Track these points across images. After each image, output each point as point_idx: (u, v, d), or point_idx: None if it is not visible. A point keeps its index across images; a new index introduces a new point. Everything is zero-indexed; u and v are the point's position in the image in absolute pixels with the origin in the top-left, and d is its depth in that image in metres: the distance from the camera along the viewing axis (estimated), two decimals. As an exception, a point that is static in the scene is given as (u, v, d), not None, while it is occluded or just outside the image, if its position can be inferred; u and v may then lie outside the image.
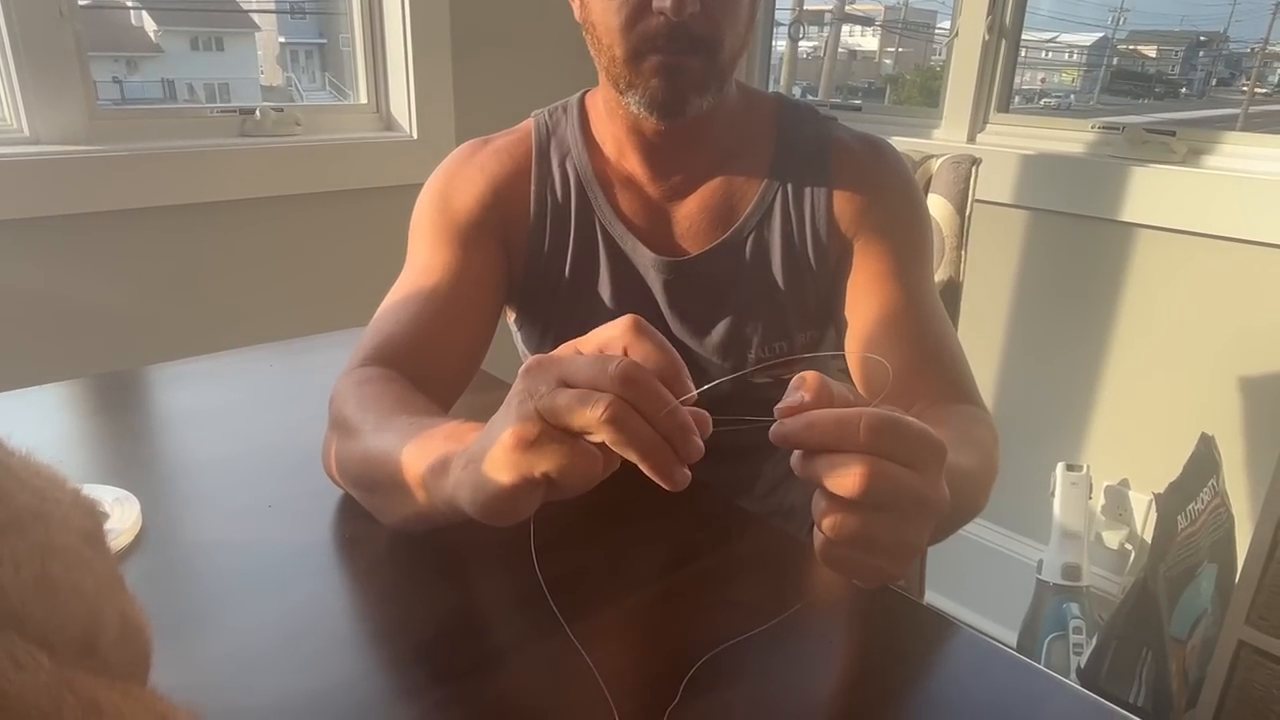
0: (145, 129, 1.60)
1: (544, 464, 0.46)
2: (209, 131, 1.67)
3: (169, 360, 1.03)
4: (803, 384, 0.47)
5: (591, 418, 0.44)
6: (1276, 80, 1.87)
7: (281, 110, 1.73)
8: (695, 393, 0.47)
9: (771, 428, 0.46)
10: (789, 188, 0.83)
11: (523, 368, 0.48)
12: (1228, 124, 1.66)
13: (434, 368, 0.77)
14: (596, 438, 0.45)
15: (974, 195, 1.04)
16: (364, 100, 1.88)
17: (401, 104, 1.87)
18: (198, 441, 0.83)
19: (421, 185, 0.87)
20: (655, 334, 0.48)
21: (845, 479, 0.44)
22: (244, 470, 0.77)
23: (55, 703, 0.26)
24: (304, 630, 0.56)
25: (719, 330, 0.85)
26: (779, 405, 0.46)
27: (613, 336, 0.48)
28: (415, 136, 1.86)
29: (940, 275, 1.05)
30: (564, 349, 0.50)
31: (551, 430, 0.46)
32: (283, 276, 1.75)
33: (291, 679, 0.51)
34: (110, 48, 1.69)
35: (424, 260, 0.82)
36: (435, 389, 0.75)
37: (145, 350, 1.57)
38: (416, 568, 0.63)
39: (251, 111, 1.70)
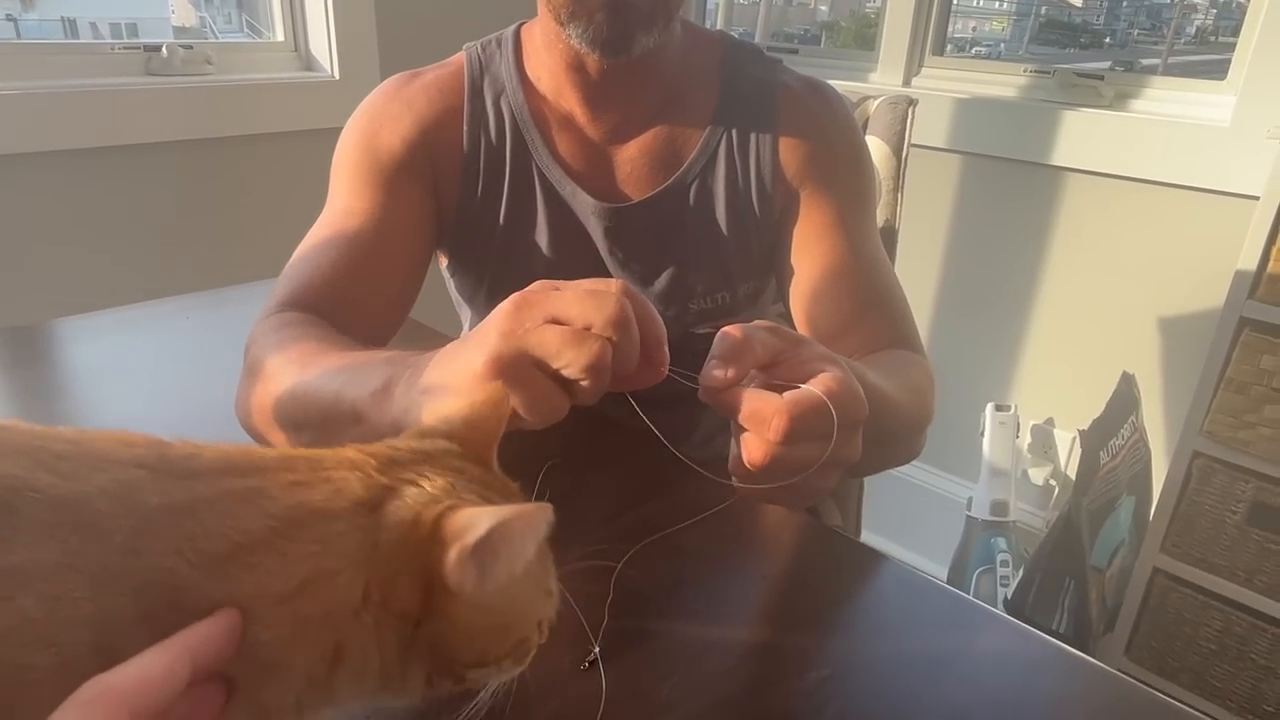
0: (41, 66, 1.48)
1: (512, 398, 0.45)
2: (111, 70, 1.56)
3: (75, 314, 0.97)
4: (724, 349, 0.48)
5: (577, 364, 0.44)
6: (1194, 31, 1.91)
7: (191, 48, 1.62)
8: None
9: (700, 389, 0.48)
10: (734, 133, 0.81)
11: (510, 302, 0.47)
12: (1149, 74, 1.70)
13: (356, 314, 0.74)
14: (572, 375, 0.45)
15: (910, 138, 1.04)
16: (280, 38, 1.77)
17: (321, 42, 1.77)
18: (108, 398, 0.78)
19: (342, 128, 0.82)
20: (646, 302, 0.48)
21: (756, 458, 0.47)
22: (158, 427, 0.73)
23: None
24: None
25: (661, 280, 0.83)
26: (702, 375, 0.48)
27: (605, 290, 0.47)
28: (336, 77, 1.77)
29: (877, 218, 1.05)
30: (546, 285, 0.48)
31: (529, 364, 0.45)
32: (194, 225, 1.66)
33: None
34: (-1, -21, 1.56)
35: (345, 202, 0.78)
36: (358, 336, 0.71)
37: (49, 303, 1.48)
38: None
39: (158, 48, 1.59)
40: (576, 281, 0.47)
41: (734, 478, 0.50)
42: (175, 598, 0.29)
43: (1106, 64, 1.75)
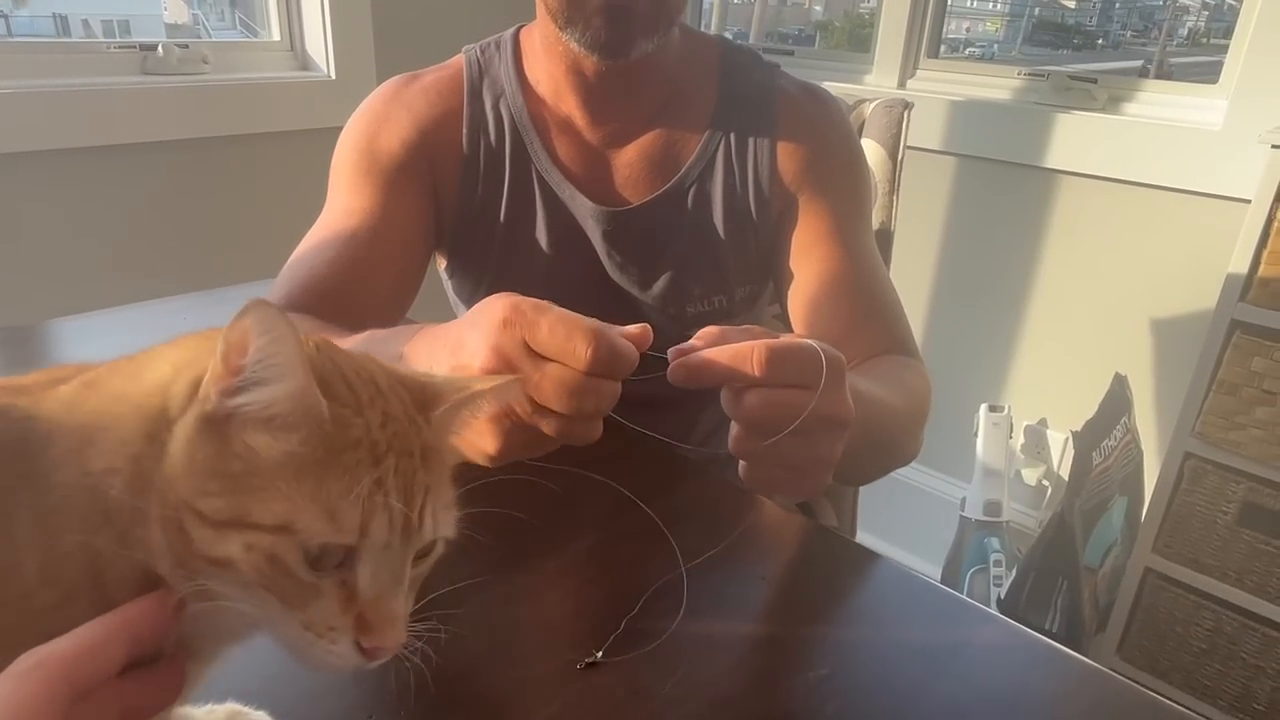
0: (35, 65, 1.47)
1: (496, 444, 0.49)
2: (107, 69, 1.55)
3: (71, 314, 0.97)
4: (698, 335, 0.50)
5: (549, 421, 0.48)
6: (1185, 33, 1.92)
7: (187, 47, 1.62)
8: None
9: (669, 368, 0.49)
10: (732, 138, 0.82)
11: (506, 310, 0.48)
12: (1141, 75, 1.71)
13: (353, 314, 0.74)
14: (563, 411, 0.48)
15: (906, 140, 1.05)
16: (276, 37, 1.77)
17: (317, 41, 1.77)
18: (107, 398, 0.78)
19: (339, 128, 0.82)
20: (621, 350, 0.48)
21: (747, 410, 0.49)
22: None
23: None
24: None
25: (659, 284, 0.83)
26: (672, 349, 0.50)
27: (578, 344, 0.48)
28: (332, 76, 1.77)
29: (873, 221, 1.06)
30: (532, 309, 0.48)
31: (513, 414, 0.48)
32: (191, 224, 1.66)
33: (218, 641, 0.49)
34: (-10, -24, 1.55)
35: (345, 202, 0.78)
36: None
37: (45, 304, 1.48)
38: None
39: (154, 48, 1.59)
40: (556, 314, 0.48)
41: (738, 462, 0.52)
42: None
43: (1099, 65, 1.76)
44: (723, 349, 0.49)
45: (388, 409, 0.33)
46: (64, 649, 0.28)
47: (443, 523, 0.35)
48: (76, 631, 0.29)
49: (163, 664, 0.32)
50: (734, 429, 0.51)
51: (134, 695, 0.31)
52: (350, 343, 0.60)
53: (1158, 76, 1.71)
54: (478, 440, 0.50)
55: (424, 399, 0.35)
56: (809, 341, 0.50)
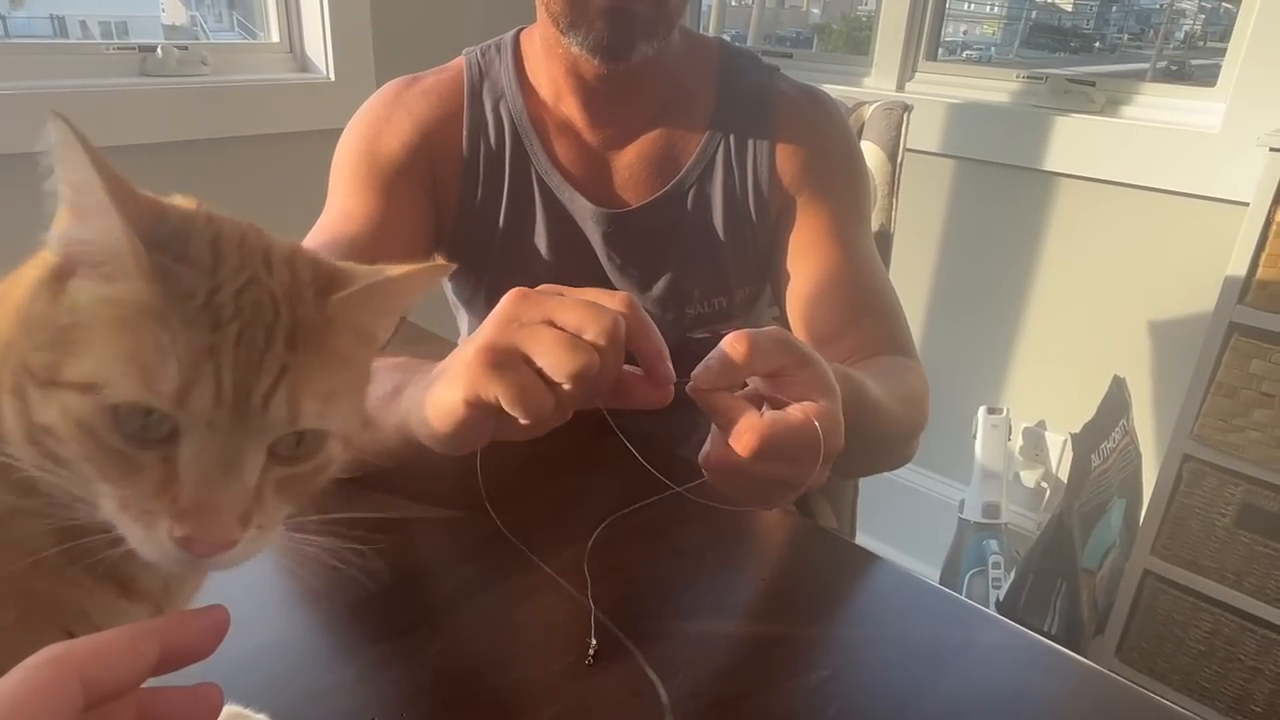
0: (33, 66, 1.47)
1: (497, 387, 0.46)
2: (106, 70, 1.55)
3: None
4: (724, 355, 0.49)
5: (561, 368, 0.45)
6: (1182, 36, 1.92)
7: (186, 48, 1.62)
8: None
9: (690, 385, 0.49)
10: (731, 140, 0.82)
11: (513, 294, 0.48)
12: (1138, 78, 1.71)
13: None
14: (555, 379, 0.45)
15: (905, 143, 1.05)
16: (275, 39, 1.77)
17: (316, 43, 1.77)
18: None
19: (338, 130, 0.82)
20: (648, 321, 0.49)
21: (724, 474, 0.49)
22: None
23: None
24: (233, 591, 0.53)
25: (659, 285, 0.83)
26: (695, 372, 0.49)
27: (607, 302, 0.48)
28: (332, 78, 1.77)
29: (872, 223, 1.06)
30: (549, 289, 0.48)
31: (518, 358, 0.46)
32: (193, 227, 1.66)
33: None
34: (-12, -23, 1.55)
35: (344, 205, 0.78)
36: None
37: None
38: (348, 526, 0.61)
39: (153, 49, 1.59)
40: (582, 289, 0.48)
41: (705, 472, 0.51)
42: None
43: (1095, 68, 1.77)
44: (726, 411, 0.48)
45: (256, 278, 0.30)
46: (83, 647, 0.26)
47: (312, 412, 0.30)
48: (104, 633, 0.27)
49: (200, 684, 0.30)
50: (707, 450, 0.50)
51: (157, 710, 0.29)
52: (386, 366, 0.59)
53: (1155, 79, 1.71)
54: (461, 385, 0.47)
55: (329, 281, 0.32)
56: (812, 422, 0.48)
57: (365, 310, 0.34)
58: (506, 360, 0.46)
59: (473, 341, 0.47)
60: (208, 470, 0.29)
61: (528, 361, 0.46)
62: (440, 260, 0.90)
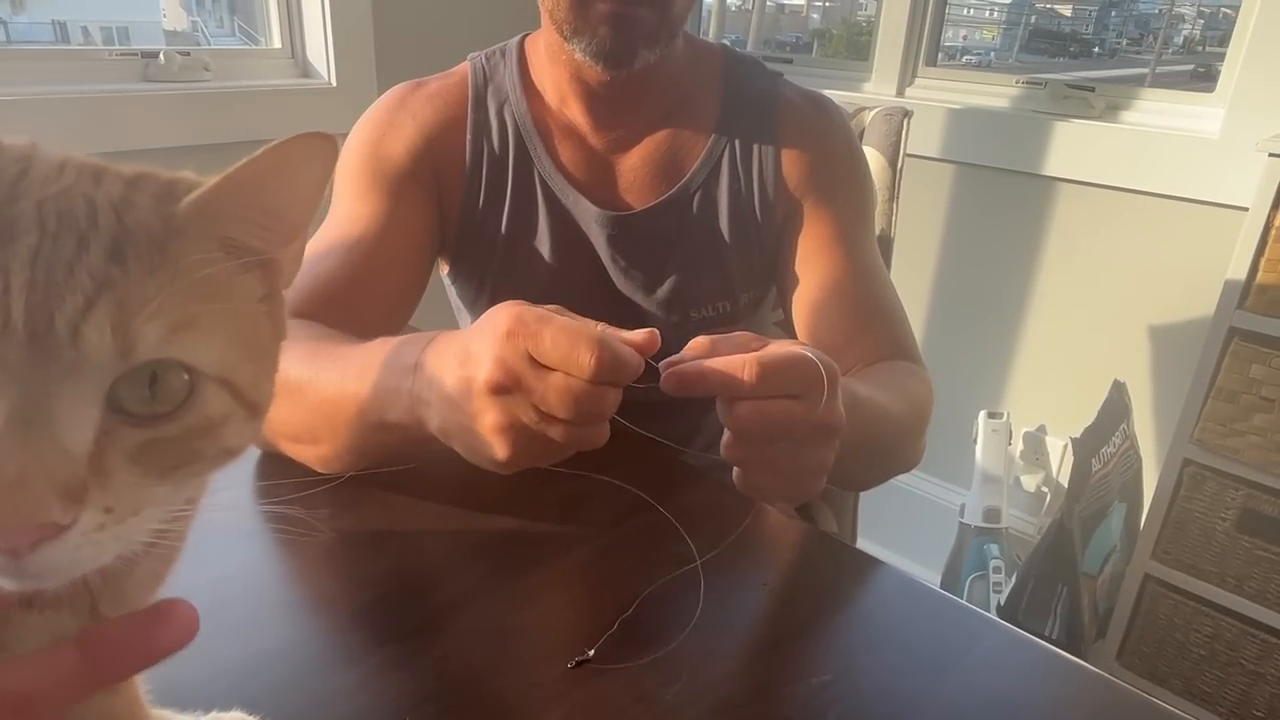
0: (34, 72, 1.48)
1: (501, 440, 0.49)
2: (108, 76, 1.56)
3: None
4: (689, 345, 0.52)
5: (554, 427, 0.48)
6: (1181, 41, 1.93)
7: (188, 54, 1.62)
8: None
9: (662, 378, 0.50)
10: (736, 144, 0.82)
11: (509, 321, 0.48)
12: (1137, 83, 1.72)
13: (357, 321, 0.74)
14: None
15: (905, 148, 1.05)
16: (277, 45, 1.78)
17: (318, 49, 1.77)
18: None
19: (340, 136, 0.83)
20: (623, 355, 0.49)
21: (738, 419, 0.50)
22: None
23: None
24: (236, 598, 0.54)
25: (664, 288, 0.84)
26: (664, 361, 0.51)
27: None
28: (334, 84, 1.77)
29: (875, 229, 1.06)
30: (535, 319, 0.49)
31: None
32: (195, 232, 1.66)
33: (224, 648, 0.49)
34: (-9, -17, 1.56)
35: (349, 210, 0.79)
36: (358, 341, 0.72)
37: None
38: (351, 532, 0.61)
39: (155, 55, 1.59)
40: (559, 324, 0.48)
41: (733, 468, 0.53)
42: None
43: (1095, 73, 1.77)
44: (717, 360, 0.50)
45: (72, 190, 0.25)
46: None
47: (152, 340, 0.24)
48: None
49: (165, 601, 0.27)
50: (726, 436, 0.52)
51: (109, 643, 0.25)
52: (363, 351, 0.60)
53: (1153, 85, 1.72)
54: (485, 448, 0.50)
55: (177, 189, 0.27)
56: (805, 352, 0.51)
57: (234, 220, 0.27)
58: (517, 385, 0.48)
59: (480, 359, 0.48)
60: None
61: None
62: (444, 263, 0.90)
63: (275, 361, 0.30)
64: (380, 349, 0.59)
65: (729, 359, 0.49)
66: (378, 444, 0.61)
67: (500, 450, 0.49)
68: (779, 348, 0.51)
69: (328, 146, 0.28)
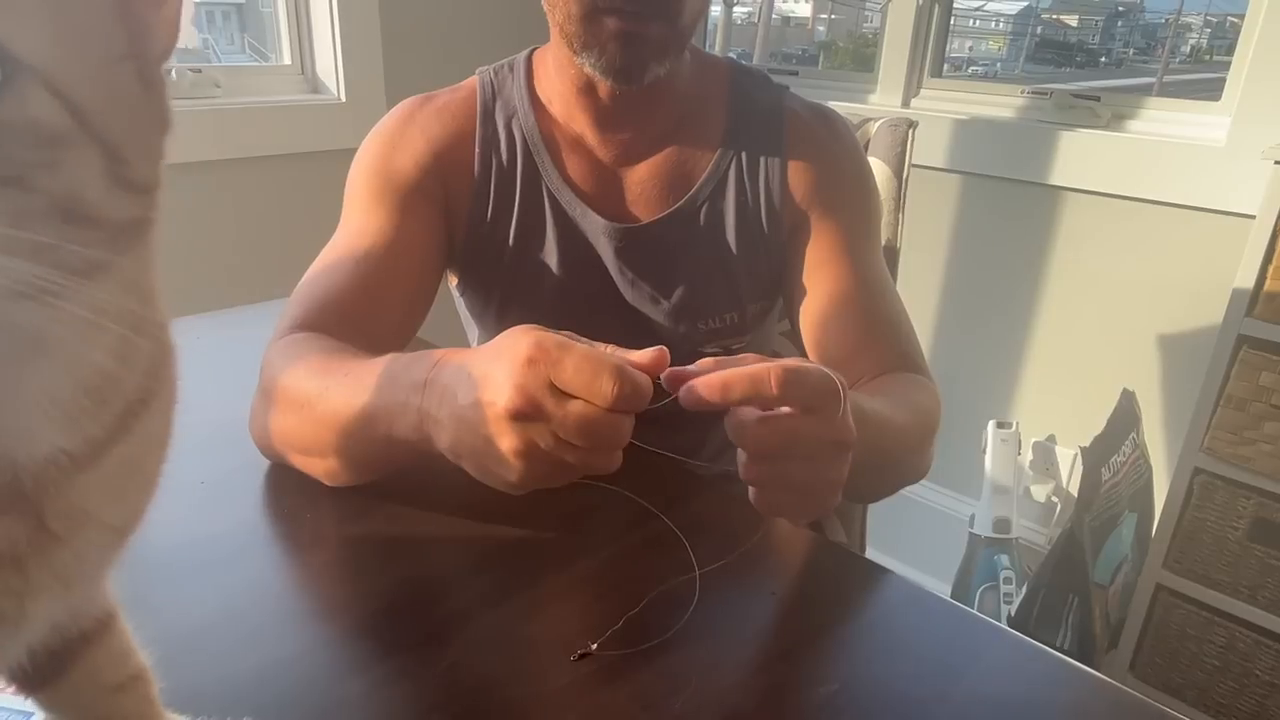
0: (49, 90, 1.50)
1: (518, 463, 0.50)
2: (120, 93, 1.58)
3: (86, 334, 0.98)
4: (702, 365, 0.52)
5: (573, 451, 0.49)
6: (1188, 50, 1.93)
7: (199, 71, 1.64)
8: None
9: (682, 391, 0.51)
10: (743, 157, 0.83)
11: (530, 348, 0.49)
12: (1144, 92, 1.72)
13: (366, 334, 0.75)
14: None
15: (911, 159, 1.05)
16: (287, 61, 1.80)
17: (328, 65, 1.79)
18: (121, 418, 0.79)
19: (350, 150, 0.84)
20: (632, 375, 0.49)
21: (753, 438, 0.51)
22: (172, 447, 0.74)
23: None
24: (245, 608, 0.54)
25: (671, 300, 0.84)
26: (664, 373, 0.51)
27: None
28: (343, 99, 1.79)
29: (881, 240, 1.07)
30: (556, 347, 0.49)
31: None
32: (203, 246, 1.68)
33: (233, 657, 0.49)
34: (6, 2, 1.58)
35: (358, 223, 0.79)
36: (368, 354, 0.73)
37: (59, 325, 1.49)
38: (360, 541, 0.61)
39: (167, 72, 1.61)
40: (580, 352, 0.49)
41: (749, 488, 0.54)
42: None
43: (1101, 83, 1.77)
44: (741, 370, 0.50)
45: None
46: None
47: None
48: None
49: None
50: (741, 456, 0.53)
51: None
52: (372, 367, 0.61)
53: (1160, 94, 1.72)
54: (500, 470, 0.51)
55: None
56: (821, 367, 0.52)
57: None
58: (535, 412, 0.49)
59: (499, 384, 0.49)
60: None
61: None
62: (453, 276, 0.91)
63: (157, 145, 0.26)
64: (389, 365, 0.60)
65: (753, 369, 0.50)
66: (384, 459, 0.62)
67: (515, 473, 0.50)
68: (792, 361, 0.52)
69: None
